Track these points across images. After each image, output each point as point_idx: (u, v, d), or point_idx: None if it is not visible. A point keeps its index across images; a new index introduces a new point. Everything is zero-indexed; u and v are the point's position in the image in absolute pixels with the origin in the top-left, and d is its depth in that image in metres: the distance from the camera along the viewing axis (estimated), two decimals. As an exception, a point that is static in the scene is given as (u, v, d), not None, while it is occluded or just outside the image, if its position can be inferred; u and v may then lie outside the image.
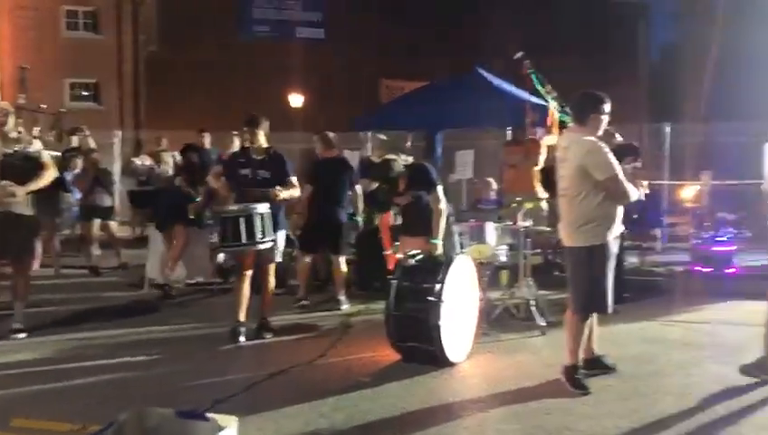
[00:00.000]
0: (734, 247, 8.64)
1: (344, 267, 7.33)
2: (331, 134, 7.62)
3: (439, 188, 5.76)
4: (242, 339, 5.72)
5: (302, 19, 24.00)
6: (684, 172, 13.08)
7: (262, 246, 5.64)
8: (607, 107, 4.60)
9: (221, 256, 9.19)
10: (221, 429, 2.89)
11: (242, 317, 5.82)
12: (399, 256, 5.64)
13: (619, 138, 5.08)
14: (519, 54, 5.77)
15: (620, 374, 4.82)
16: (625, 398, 4.35)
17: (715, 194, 11.38)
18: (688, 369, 4.99)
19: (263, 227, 5.56)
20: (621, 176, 4.43)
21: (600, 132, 4.63)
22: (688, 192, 12.31)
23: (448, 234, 5.95)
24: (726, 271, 8.40)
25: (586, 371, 4.72)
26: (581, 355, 4.67)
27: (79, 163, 9.88)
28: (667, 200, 12.78)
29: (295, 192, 6.07)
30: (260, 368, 4.99)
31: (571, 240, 4.58)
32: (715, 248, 8.52)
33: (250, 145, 5.94)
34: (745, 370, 4.60)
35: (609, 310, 4.61)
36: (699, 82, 21.60)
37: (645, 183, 4.95)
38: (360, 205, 7.82)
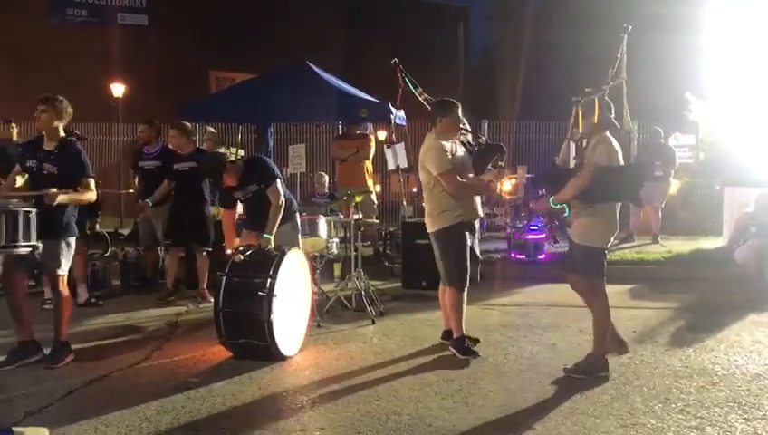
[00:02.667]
0: (545, 235, 9.40)
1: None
2: None
3: (278, 182, 5.62)
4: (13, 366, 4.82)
5: (124, 4, 22.59)
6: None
7: (21, 251, 4.52)
8: (455, 111, 5.18)
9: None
10: (30, 442, 2.66)
11: (25, 335, 4.96)
12: (228, 251, 5.50)
13: (483, 138, 5.44)
14: (394, 60, 5.97)
15: (445, 357, 5.09)
16: (449, 379, 4.58)
17: (529, 186, 12.32)
18: (506, 349, 5.36)
19: (24, 229, 4.49)
20: (452, 173, 5.01)
21: (452, 134, 5.19)
22: (507, 185, 13.24)
23: (293, 227, 5.91)
24: (538, 257, 9.12)
25: (445, 341, 5.33)
26: (444, 326, 5.38)
27: None
28: (487, 192, 13.64)
29: (87, 195, 5.03)
30: (78, 375, 4.67)
31: (434, 226, 5.20)
32: (528, 237, 9.21)
33: (45, 132, 5.05)
34: (569, 371, 4.69)
35: (467, 283, 5.20)
36: (513, 82, 23.27)
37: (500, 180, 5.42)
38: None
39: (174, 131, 7.29)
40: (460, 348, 5.09)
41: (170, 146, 7.48)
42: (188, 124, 7.48)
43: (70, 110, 5.07)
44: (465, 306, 5.20)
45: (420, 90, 6.03)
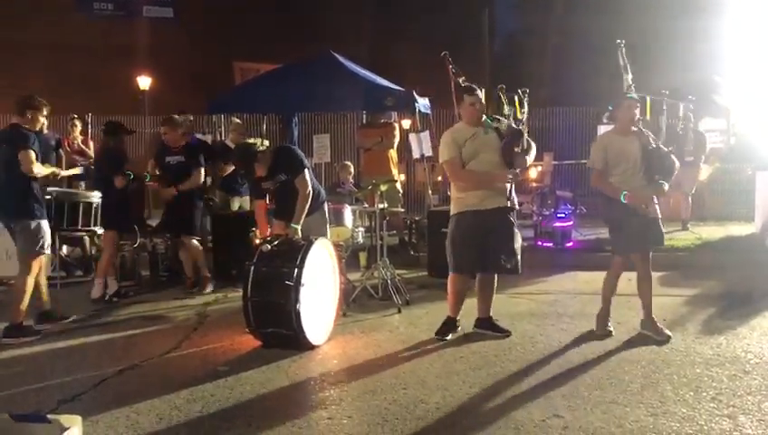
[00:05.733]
0: (572, 223, 9.31)
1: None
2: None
3: (306, 172, 5.61)
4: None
5: (149, -4, 22.76)
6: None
7: None
8: (469, 96, 5.29)
9: (65, 249, 8.66)
10: (64, 429, 2.70)
11: None
12: (257, 241, 5.53)
13: (504, 121, 5.36)
14: (444, 53, 6.06)
15: (471, 346, 5.07)
16: (476, 368, 4.57)
17: (555, 173, 12.23)
18: (534, 337, 5.32)
19: None
20: (452, 162, 5.16)
21: (471, 118, 5.27)
22: (533, 172, 13.14)
23: (321, 216, 5.93)
24: (566, 245, 9.04)
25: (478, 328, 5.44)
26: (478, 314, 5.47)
27: None
28: (514, 180, 13.54)
29: None
30: (110, 364, 4.76)
31: (451, 210, 5.42)
32: (556, 224, 9.13)
33: None
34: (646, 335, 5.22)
35: (465, 271, 5.31)
36: (540, 68, 23.01)
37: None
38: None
39: (166, 127, 7.27)
40: (491, 327, 5.39)
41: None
42: (178, 117, 7.47)
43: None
44: (459, 292, 5.34)
45: (463, 78, 6.14)
